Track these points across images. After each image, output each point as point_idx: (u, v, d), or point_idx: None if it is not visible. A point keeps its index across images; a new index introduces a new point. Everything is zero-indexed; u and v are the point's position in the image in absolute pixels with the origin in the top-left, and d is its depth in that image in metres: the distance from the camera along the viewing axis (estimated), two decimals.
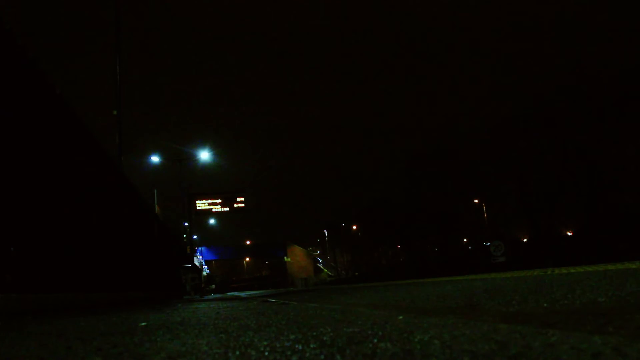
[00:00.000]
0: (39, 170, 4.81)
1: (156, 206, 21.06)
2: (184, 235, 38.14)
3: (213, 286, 44.93)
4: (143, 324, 2.82)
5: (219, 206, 42.03)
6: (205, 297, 18.23)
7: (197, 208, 41.27)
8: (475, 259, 30.17)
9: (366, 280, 44.76)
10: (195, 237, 43.85)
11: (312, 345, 1.48)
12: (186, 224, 38.68)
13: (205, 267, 57.15)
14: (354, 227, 70.18)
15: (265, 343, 1.62)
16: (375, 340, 1.48)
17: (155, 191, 23.20)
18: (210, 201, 41.88)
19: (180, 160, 31.02)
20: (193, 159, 31.31)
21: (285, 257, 73.61)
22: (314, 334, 1.78)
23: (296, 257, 77.37)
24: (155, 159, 30.41)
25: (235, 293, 31.03)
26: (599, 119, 28.59)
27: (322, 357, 1.28)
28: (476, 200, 44.92)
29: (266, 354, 1.39)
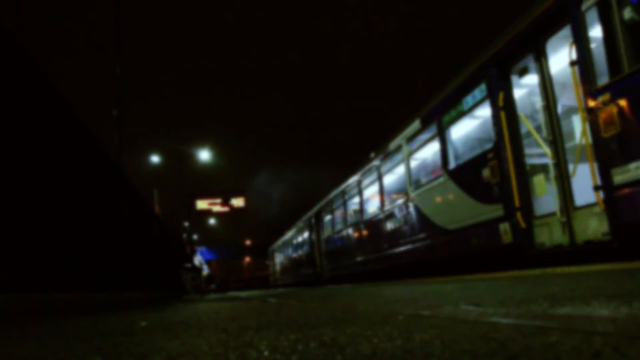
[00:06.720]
0: (39, 170, 4.81)
1: (156, 206, 21.08)
2: (184, 235, 38.16)
3: (213, 286, 44.89)
4: (143, 324, 2.82)
5: (219, 206, 42.05)
6: (205, 297, 18.21)
7: (197, 208, 41.28)
8: None
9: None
10: (195, 237, 43.87)
11: (312, 345, 1.48)
12: (186, 224, 38.70)
13: (205, 267, 57.13)
14: None
15: (265, 343, 1.62)
16: (375, 340, 1.48)
17: (155, 191, 23.23)
18: (210, 201, 41.88)
19: (180, 160, 31.07)
20: (193, 158, 31.33)
21: None
22: (314, 334, 1.78)
23: None
24: (155, 158, 30.42)
25: (235, 293, 31.00)
26: None
27: (322, 357, 1.28)
28: None
29: (266, 353, 1.39)
